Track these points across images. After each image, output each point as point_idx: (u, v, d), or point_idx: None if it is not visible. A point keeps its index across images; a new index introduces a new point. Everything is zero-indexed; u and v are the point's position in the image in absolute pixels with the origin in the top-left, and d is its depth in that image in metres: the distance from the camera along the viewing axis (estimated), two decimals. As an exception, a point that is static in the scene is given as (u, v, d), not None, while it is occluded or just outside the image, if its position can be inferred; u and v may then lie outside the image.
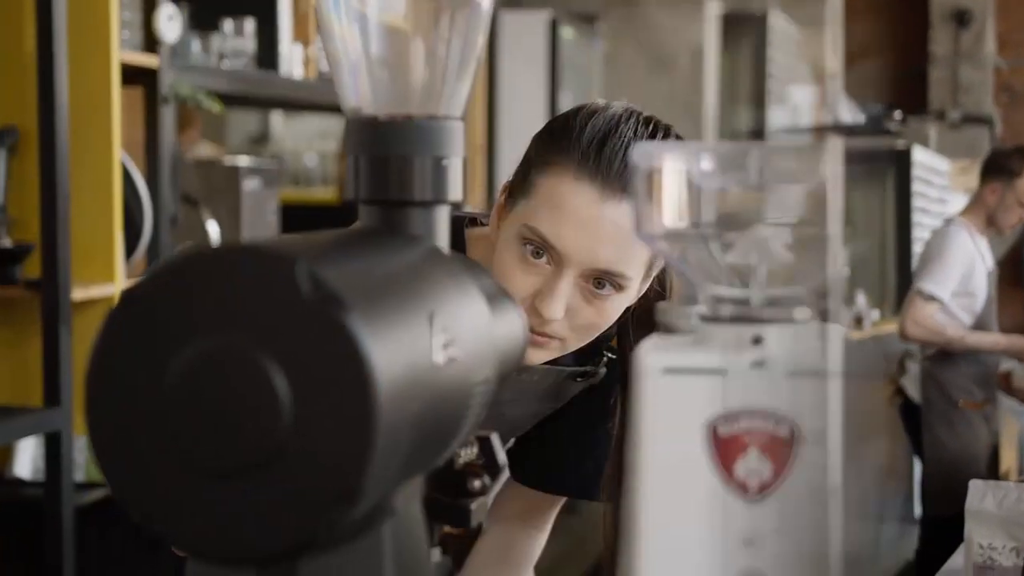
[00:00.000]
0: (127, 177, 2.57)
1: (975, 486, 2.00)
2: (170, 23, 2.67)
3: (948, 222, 4.42)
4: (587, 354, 1.42)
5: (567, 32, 5.22)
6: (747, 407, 0.68)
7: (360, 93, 0.83)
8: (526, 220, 1.25)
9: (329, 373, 0.60)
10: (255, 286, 0.61)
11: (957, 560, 2.06)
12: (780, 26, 7.47)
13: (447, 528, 1.01)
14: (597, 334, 1.30)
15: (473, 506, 0.89)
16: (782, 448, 0.68)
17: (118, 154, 2.51)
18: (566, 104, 5.67)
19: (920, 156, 7.18)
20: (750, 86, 7.43)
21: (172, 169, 2.76)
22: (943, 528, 3.83)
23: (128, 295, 0.63)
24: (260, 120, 5.45)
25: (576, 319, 1.27)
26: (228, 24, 3.04)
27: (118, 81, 2.51)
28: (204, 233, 2.89)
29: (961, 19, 9.20)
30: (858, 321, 5.91)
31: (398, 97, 0.82)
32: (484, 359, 0.75)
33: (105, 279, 2.51)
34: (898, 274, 7.15)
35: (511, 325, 0.85)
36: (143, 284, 0.63)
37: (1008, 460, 4.87)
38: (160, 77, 2.68)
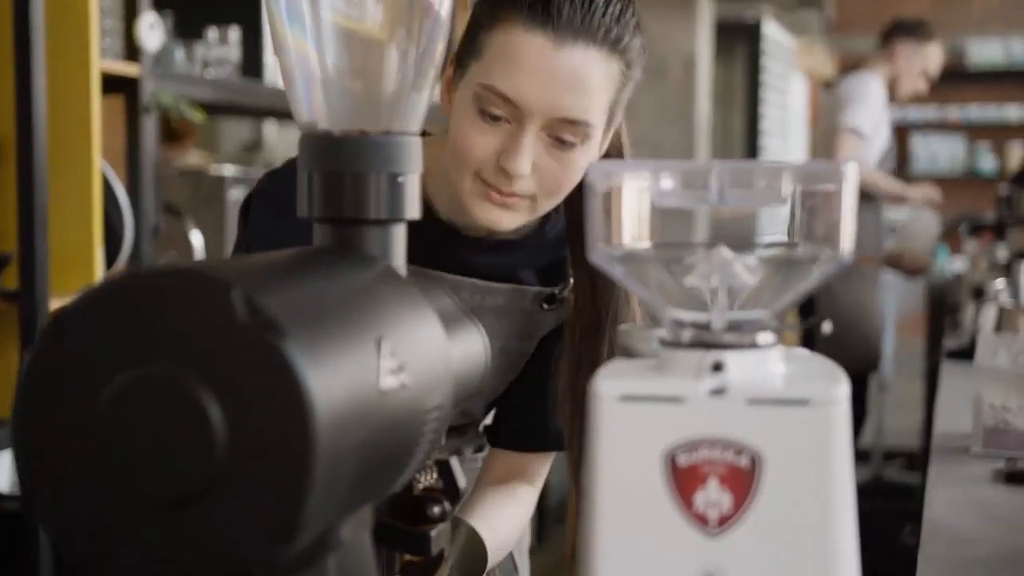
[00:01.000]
0: (108, 187, 2.54)
1: (985, 340, 1.86)
2: (152, 32, 2.65)
3: (849, 77, 4.54)
4: (551, 278, 1.41)
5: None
6: (707, 436, 0.66)
7: (314, 107, 0.80)
8: (480, 80, 1.23)
9: (265, 402, 0.58)
10: (190, 311, 0.59)
11: (963, 425, 1.91)
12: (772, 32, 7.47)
13: (407, 556, 0.98)
14: (564, 193, 1.28)
15: (433, 533, 0.87)
16: (743, 479, 0.65)
17: (98, 163, 2.48)
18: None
19: (770, 30, 7.26)
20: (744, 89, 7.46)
21: (154, 179, 2.74)
22: None
23: (60, 317, 0.60)
24: (253, 128, 5.42)
25: (543, 176, 1.25)
26: (212, 32, 3.02)
27: (98, 90, 2.48)
28: (187, 243, 2.86)
29: None
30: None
31: (353, 112, 0.80)
32: (438, 384, 0.73)
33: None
34: (746, 147, 7.28)
35: (470, 346, 0.83)
36: (76, 306, 0.60)
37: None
38: (141, 86, 2.65)
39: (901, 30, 4.49)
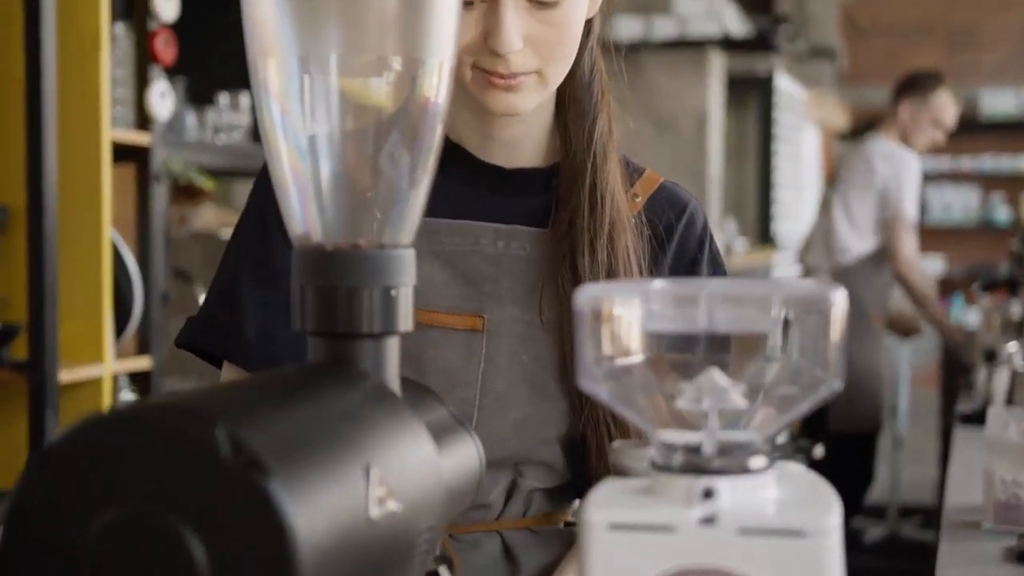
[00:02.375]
0: (117, 256, 2.55)
1: (995, 413, 1.82)
2: (163, 100, 2.66)
3: (875, 142, 4.53)
4: None
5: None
6: (698, 566, 0.65)
7: (308, 220, 0.80)
8: None
9: (249, 542, 0.57)
10: (174, 448, 0.58)
11: (975, 497, 1.87)
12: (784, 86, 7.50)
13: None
14: (571, 57, 1.22)
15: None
16: (735, 609, 0.64)
17: (108, 233, 2.49)
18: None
19: (782, 83, 7.30)
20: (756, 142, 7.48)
21: (165, 245, 2.75)
22: (843, 445, 3.89)
23: (45, 452, 0.60)
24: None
25: (539, 44, 1.19)
26: (223, 98, 3.04)
27: (109, 160, 2.50)
28: (196, 308, 2.86)
29: None
30: (728, 250, 5.99)
31: (346, 225, 0.80)
32: (429, 505, 0.72)
33: (94, 360, 2.49)
34: (759, 203, 7.28)
35: (463, 460, 0.82)
36: (61, 442, 0.60)
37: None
38: (152, 154, 2.67)
39: (903, 87, 4.54)
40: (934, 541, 1.97)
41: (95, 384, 2.51)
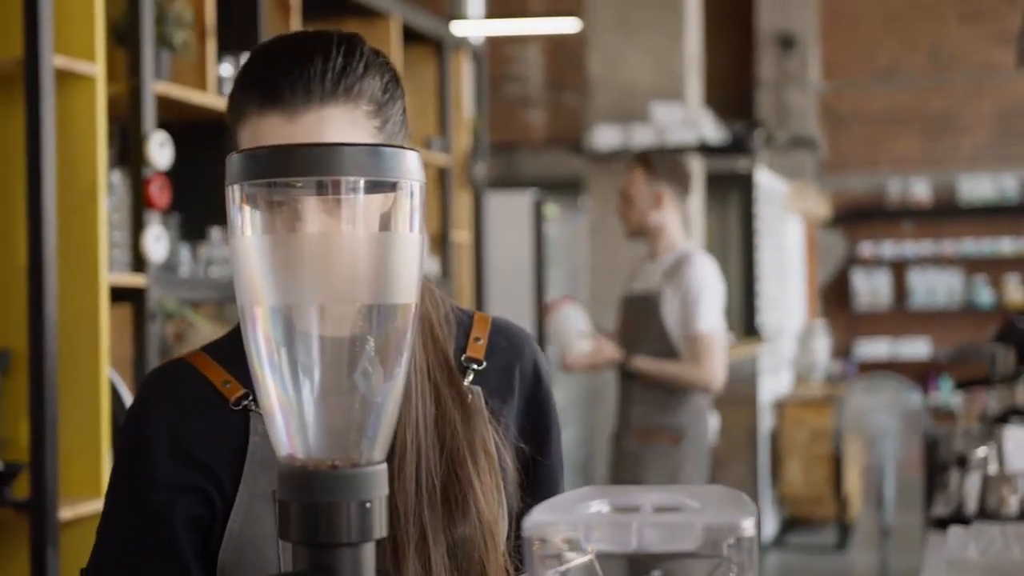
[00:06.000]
0: (115, 393, 2.65)
1: (955, 533, 1.89)
2: (157, 243, 2.79)
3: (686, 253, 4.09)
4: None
5: (551, 210, 5.37)
6: None
7: (292, 443, 0.91)
8: None
9: None
10: None
11: None
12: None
13: None
14: None
15: None
16: None
17: (106, 373, 2.59)
18: (553, 278, 5.80)
19: (762, 178, 7.46)
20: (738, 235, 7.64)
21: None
22: None
23: None
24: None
25: None
26: (216, 233, 3.17)
27: (107, 303, 2.61)
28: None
29: (785, 43, 9.56)
30: None
31: (326, 446, 0.91)
32: None
33: (93, 496, 2.58)
34: (744, 296, 7.40)
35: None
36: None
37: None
38: (148, 295, 2.79)
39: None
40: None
41: (94, 520, 2.59)
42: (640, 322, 3.97)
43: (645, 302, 3.96)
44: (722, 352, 3.94)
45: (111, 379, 2.63)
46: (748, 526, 0.77)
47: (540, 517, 0.80)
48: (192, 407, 1.33)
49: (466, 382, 1.33)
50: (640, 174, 3.96)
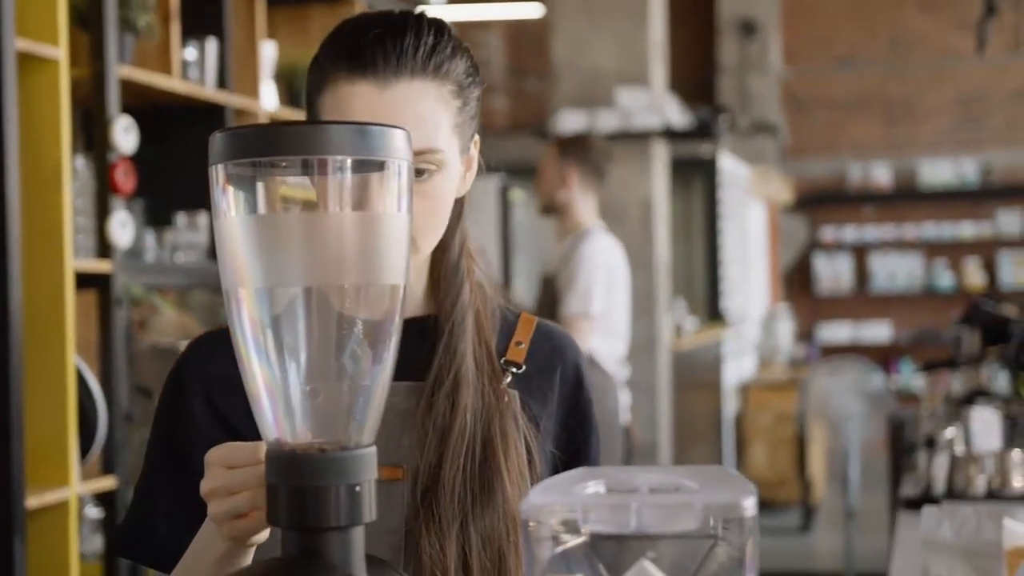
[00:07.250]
0: (81, 379, 2.62)
1: (929, 512, 1.89)
2: (123, 229, 2.75)
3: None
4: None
5: (517, 195, 5.36)
6: None
7: (280, 427, 0.90)
8: None
9: None
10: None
11: None
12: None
13: None
14: (439, 226, 1.27)
15: None
16: None
17: (72, 360, 2.56)
18: (519, 263, 5.80)
19: (725, 163, 7.51)
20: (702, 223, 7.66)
21: (127, 365, 2.82)
22: None
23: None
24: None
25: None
26: (181, 218, 3.13)
27: (72, 289, 2.58)
28: (159, 424, 2.92)
29: (747, 29, 9.62)
30: (678, 330, 6.07)
31: (314, 429, 0.89)
32: None
33: (60, 483, 2.55)
34: (708, 280, 7.46)
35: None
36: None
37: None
38: (114, 281, 2.75)
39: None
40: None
41: (62, 507, 2.57)
42: (545, 303, 4.00)
43: (547, 283, 4.03)
44: (589, 336, 3.88)
45: (77, 366, 2.60)
46: (748, 506, 0.76)
47: (537, 499, 0.78)
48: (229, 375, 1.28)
49: (504, 384, 1.32)
50: (552, 153, 4.09)
